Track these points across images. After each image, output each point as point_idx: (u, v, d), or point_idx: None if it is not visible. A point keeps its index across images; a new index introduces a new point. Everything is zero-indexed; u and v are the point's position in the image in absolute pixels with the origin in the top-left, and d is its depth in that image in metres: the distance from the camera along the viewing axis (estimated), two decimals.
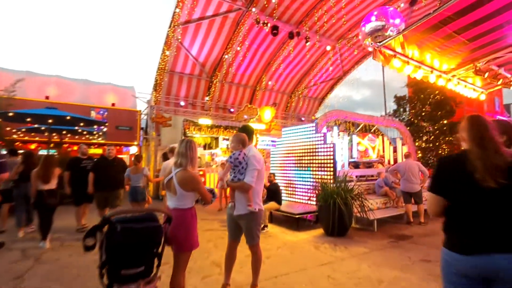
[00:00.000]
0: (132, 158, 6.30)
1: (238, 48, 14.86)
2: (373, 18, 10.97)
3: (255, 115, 13.06)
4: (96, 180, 5.31)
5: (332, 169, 6.39)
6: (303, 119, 20.67)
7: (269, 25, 12.90)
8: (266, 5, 12.79)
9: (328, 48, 15.73)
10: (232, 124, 12.64)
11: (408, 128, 10.74)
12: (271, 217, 6.54)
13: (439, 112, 10.41)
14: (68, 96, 19.10)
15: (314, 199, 6.40)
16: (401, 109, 11.47)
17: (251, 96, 18.14)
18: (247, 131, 3.13)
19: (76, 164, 5.77)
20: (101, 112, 19.78)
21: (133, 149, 21.67)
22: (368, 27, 11.05)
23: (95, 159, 5.91)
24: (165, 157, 6.68)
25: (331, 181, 6.28)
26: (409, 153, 7.03)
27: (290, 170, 7.42)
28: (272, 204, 6.08)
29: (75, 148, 22.48)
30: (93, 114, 18.72)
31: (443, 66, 5.13)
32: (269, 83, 17.80)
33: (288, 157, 7.62)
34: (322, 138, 6.79)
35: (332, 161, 6.45)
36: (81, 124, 9.65)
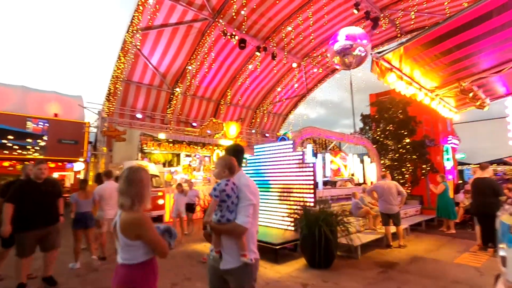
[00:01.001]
0: (79, 183, 5.56)
1: (203, 60, 14.12)
2: (341, 37, 11.11)
3: (221, 130, 12.28)
4: (18, 214, 3.70)
5: (312, 190, 5.84)
6: (267, 135, 20.37)
7: (236, 37, 12.45)
8: (234, 17, 12.39)
9: (294, 65, 15.80)
10: (196, 140, 11.67)
11: (374, 146, 10.82)
12: None
13: (403, 131, 10.69)
14: (0, 104, 16.36)
15: (293, 225, 5.77)
16: (367, 127, 11.60)
17: (215, 110, 17.36)
18: (236, 152, 2.38)
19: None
20: (41, 123, 17.23)
21: (79, 166, 19.22)
22: (337, 46, 11.15)
23: (13, 182, 4.23)
24: (99, 180, 5.73)
25: (311, 204, 5.72)
26: (385, 173, 6.84)
27: (265, 192, 6.72)
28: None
29: (6, 164, 19.23)
30: (30, 125, 16.19)
31: (428, 84, 5.02)
32: (237, 97, 17.24)
33: (262, 178, 6.93)
34: (301, 156, 6.27)
35: (312, 182, 5.92)
36: (10, 137, 7.91)
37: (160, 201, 9.76)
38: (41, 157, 15.64)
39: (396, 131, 10.85)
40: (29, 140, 9.09)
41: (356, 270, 4.92)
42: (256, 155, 7.33)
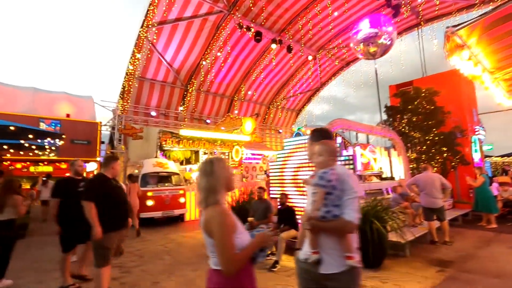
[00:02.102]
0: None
1: (218, 54, 13.77)
2: (365, 25, 10.64)
3: (239, 126, 11.94)
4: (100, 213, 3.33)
5: None
6: (281, 131, 19.99)
7: (252, 30, 12.06)
8: (252, 7, 11.97)
9: (310, 58, 15.37)
10: (215, 136, 11.33)
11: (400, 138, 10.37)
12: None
13: (430, 122, 10.23)
14: (11, 106, 16.24)
15: None
16: (391, 119, 11.15)
17: (229, 106, 17.03)
18: (330, 135, 2.03)
19: (69, 187, 3.94)
20: (53, 124, 17.11)
21: (92, 166, 19.12)
22: (361, 34, 10.68)
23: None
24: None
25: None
26: (427, 166, 6.42)
27: (300, 188, 6.34)
28: (292, 232, 4.95)
29: (18, 166, 19.17)
30: (42, 126, 16.07)
31: (489, 65, 4.59)
32: (249, 92, 16.88)
33: (293, 172, 6.56)
34: (339, 149, 5.89)
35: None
36: (30, 136, 7.66)
37: (182, 200, 9.47)
38: (55, 157, 15.52)
39: (423, 123, 10.40)
40: (48, 139, 8.84)
41: (411, 269, 4.54)
42: (286, 149, 6.95)
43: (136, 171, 10.08)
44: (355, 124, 8.18)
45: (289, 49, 13.68)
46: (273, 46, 13.04)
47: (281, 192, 5.55)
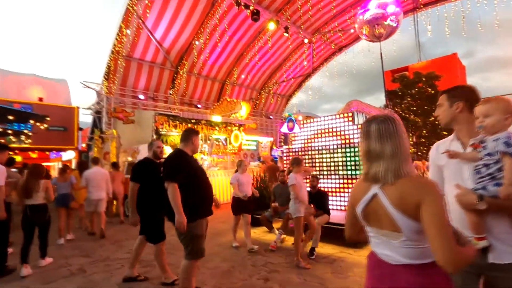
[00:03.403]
0: (59, 169, 6.46)
1: (211, 34, 12.93)
2: (372, 5, 10.31)
3: (238, 110, 11.39)
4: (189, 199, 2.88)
5: None
6: (271, 117, 19.63)
7: (251, 7, 11.37)
8: None
9: (306, 41, 14.95)
10: (218, 120, 10.63)
11: None
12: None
13: (432, 106, 10.31)
14: None
15: None
16: (391, 104, 11.13)
17: (220, 91, 16.32)
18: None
19: (149, 170, 3.43)
20: (24, 109, 15.53)
21: (69, 155, 17.74)
22: (367, 15, 10.36)
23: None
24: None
25: None
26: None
27: (324, 172, 6.04)
28: (325, 218, 4.64)
29: None
30: None
31: None
32: (242, 76, 16.23)
33: (314, 154, 6.23)
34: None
35: None
36: (10, 118, 6.61)
37: None
38: (29, 146, 14.14)
39: (424, 107, 10.48)
40: (31, 121, 7.81)
41: None
42: (305, 131, 6.59)
43: (130, 158, 9.31)
44: (367, 106, 7.98)
45: (286, 30, 13.17)
46: (271, 26, 12.44)
47: (312, 175, 5.19)
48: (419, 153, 10.42)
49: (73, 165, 15.96)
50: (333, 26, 14.80)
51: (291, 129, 17.52)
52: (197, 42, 12.93)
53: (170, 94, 14.13)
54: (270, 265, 4.06)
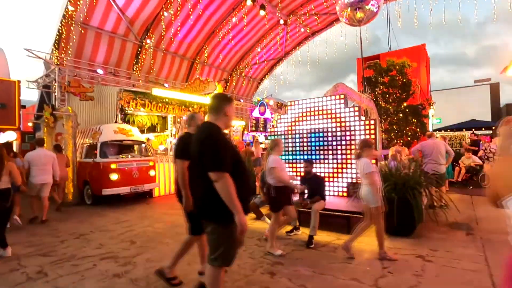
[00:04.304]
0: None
1: (182, 5, 11.77)
2: None
3: (212, 90, 10.64)
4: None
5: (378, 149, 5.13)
6: (241, 100, 18.99)
7: None
8: None
9: (282, 22, 14.43)
10: (194, 99, 9.71)
11: None
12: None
13: (404, 94, 10.65)
14: None
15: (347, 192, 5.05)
16: (370, 90, 11.29)
17: (189, 70, 15.22)
18: None
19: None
20: None
21: (9, 136, 15.40)
22: None
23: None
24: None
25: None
26: (432, 133, 6.52)
27: (315, 155, 5.77)
28: (322, 203, 4.38)
29: None
30: None
31: None
32: (213, 56, 15.25)
33: (306, 139, 5.93)
34: (357, 112, 5.42)
35: (375, 141, 5.17)
36: None
37: (152, 172, 8.10)
38: None
39: (396, 94, 10.80)
40: None
41: (442, 235, 4.50)
42: (293, 113, 6.23)
43: (89, 140, 8.16)
44: (351, 91, 7.87)
45: (263, 8, 12.51)
46: (248, 2, 11.69)
47: (305, 160, 4.88)
48: (389, 139, 10.76)
49: (15, 148, 13.86)
50: (309, 8, 14.45)
51: (262, 114, 17.17)
52: (165, 14, 11.69)
53: (134, 70, 12.76)
54: (270, 256, 3.70)
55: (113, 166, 7.32)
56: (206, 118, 2.24)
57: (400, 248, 3.91)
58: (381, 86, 11.09)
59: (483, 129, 14.19)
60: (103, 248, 4.14)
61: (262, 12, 12.65)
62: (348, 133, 5.44)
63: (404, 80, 10.79)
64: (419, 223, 4.45)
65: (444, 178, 6.22)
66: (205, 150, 1.91)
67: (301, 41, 17.88)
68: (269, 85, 20.39)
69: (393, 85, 10.75)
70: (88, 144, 7.97)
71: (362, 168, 3.45)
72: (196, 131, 2.36)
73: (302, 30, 16.35)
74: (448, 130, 12.36)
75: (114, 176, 7.25)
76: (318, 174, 5.03)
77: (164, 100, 8.87)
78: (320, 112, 5.76)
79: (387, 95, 10.91)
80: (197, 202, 2.15)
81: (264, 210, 5.43)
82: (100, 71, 11.50)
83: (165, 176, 8.92)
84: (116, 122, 8.24)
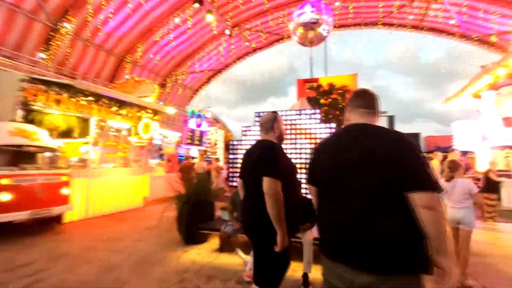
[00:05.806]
0: None
1: None
2: (308, 9, 10.33)
3: (151, 94, 9.08)
4: None
5: None
6: (175, 110, 17.36)
7: None
8: None
9: (227, 31, 13.86)
10: (130, 100, 7.83)
11: None
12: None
13: (341, 116, 11.23)
14: None
15: None
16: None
17: (116, 68, 13.03)
18: None
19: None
20: None
21: None
22: (303, 18, 10.31)
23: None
24: None
25: None
26: None
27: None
28: (314, 232, 3.67)
29: None
30: None
31: None
32: (147, 56, 13.49)
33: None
34: (334, 130, 5.05)
35: None
36: None
37: (64, 191, 6.08)
38: None
39: (338, 116, 11.32)
40: None
41: None
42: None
43: None
44: (309, 107, 7.69)
45: (209, 12, 11.72)
46: (196, 4, 10.74)
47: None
48: None
49: None
50: (255, 24, 14.37)
51: (199, 126, 15.92)
52: None
53: (42, 58, 10.04)
54: None
55: (3, 181, 5.13)
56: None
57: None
58: (325, 108, 11.50)
59: None
60: None
61: (209, 17, 11.82)
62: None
63: (344, 103, 11.48)
64: None
65: None
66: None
67: (242, 56, 17.70)
68: (198, 97, 19.29)
69: (333, 107, 11.27)
70: None
71: (467, 188, 3.13)
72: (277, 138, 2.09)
73: (253, 45, 16.14)
74: None
75: (4, 196, 5.06)
76: (305, 195, 4.36)
77: (90, 98, 6.93)
78: (296, 129, 5.20)
79: (330, 116, 11.35)
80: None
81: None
82: None
83: (81, 196, 6.84)
84: (13, 120, 5.95)
